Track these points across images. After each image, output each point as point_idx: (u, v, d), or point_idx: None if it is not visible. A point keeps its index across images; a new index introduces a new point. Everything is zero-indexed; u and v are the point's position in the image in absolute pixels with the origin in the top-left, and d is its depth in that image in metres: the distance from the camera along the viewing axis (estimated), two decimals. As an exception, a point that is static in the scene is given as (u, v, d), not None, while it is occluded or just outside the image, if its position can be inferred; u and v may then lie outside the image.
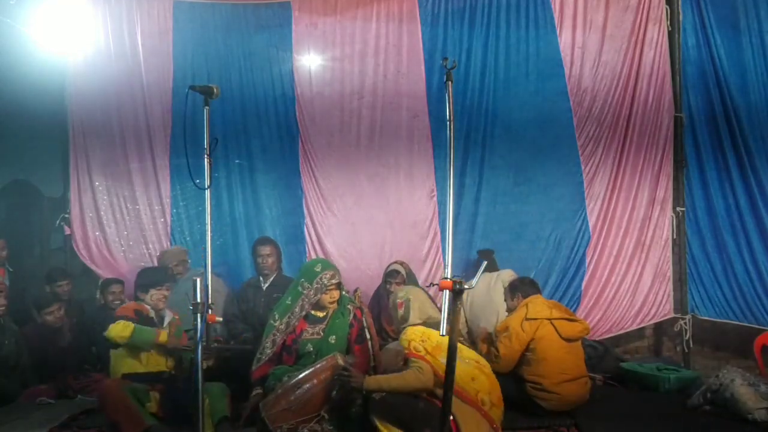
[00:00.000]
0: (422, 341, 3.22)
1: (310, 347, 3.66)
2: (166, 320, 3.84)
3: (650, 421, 3.59)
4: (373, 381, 3.19)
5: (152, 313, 3.79)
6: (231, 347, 4.32)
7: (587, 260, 5.21)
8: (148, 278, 3.89)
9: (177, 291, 4.84)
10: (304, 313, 3.74)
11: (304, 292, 3.73)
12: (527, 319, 3.73)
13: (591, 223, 5.20)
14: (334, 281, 3.73)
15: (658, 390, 4.18)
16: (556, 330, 3.71)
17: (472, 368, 3.21)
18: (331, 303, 3.76)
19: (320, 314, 3.78)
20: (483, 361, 3.36)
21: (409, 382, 3.11)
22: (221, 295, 4.77)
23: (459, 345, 3.16)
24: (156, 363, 3.69)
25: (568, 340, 3.73)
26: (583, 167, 5.19)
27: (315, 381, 3.26)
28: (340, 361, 3.32)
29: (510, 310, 4.05)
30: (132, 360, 3.64)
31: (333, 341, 3.67)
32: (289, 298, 3.79)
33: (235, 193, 5.38)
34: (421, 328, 3.33)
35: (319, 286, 3.71)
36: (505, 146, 5.25)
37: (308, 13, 5.31)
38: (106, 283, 4.83)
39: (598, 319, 5.11)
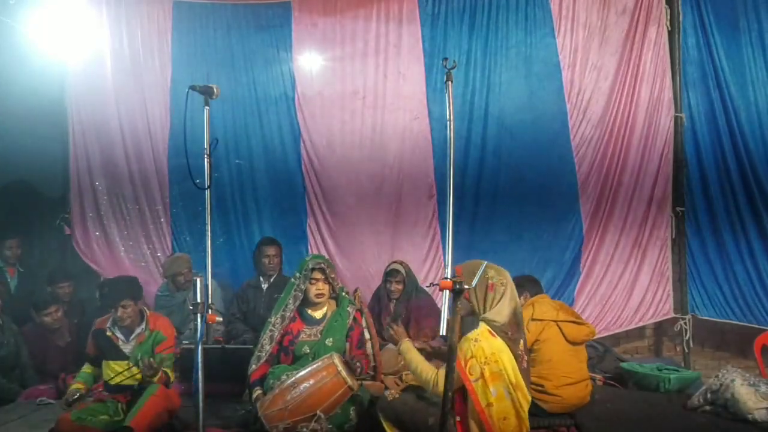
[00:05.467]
0: (485, 363, 2.85)
1: (306, 349, 3.64)
2: (135, 332, 3.70)
3: (650, 421, 3.58)
4: (406, 348, 3.21)
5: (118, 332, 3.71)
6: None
7: (582, 259, 5.23)
8: (111, 295, 3.68)
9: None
10: (297, 304, 3.71)
11: (296, 282, 3.73)
12: (533, 320, 3.68)
13: (585, 223, 5.22)
14: (317, 267, 3.68)
15: (658, 390, 4.17)
16: (562, 332, 3.67)
17: (512, 409, 2.94)
18: (318, 297, 3.69)
19: (317, 315, 3.76)
20: (527, 405, 3.02)
21: (422, 376, 3.06)
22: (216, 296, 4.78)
23: (522, 386, 2.94)
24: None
25: (573, 343, 3.70)
26: (577, 168, 5.20)
27: (312, 381, 3.26)
28: (337, 361, 3.32)
29: None
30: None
31: (330, 344, 3.64)
32: (284, 293, 3.79)
33: (235, 193, 5.38)
34: (499, 345, 2.89)
35: (306, 272, 3.69)
36: (504, 147, 5.25)
37: (308, 13, 5.31)
38: (102, 284, 4.81)
39: (595, 316, 5.12)
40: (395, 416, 3.18)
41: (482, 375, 2.84)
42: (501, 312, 2.97)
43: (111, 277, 4.02)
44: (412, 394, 3.30)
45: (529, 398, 3.04)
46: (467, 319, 3.09)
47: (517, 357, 2.96)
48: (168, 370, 3.68)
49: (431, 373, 3.03)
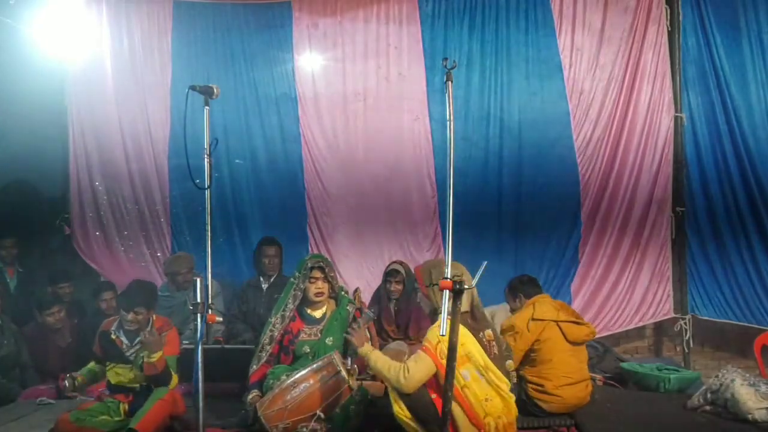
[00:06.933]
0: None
1: (306, 348, 3.64)
2: (140, 336, 3.62)
3: (650, 421, 3.58)
4: (367, 350, 3.18)
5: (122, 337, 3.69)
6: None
7: (580, 258, 5.24)
8: (129, 299, 3.67)
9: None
10: (297, 303, 3.71)
11: (295, 282, 3.73)
12: (533, 320, 3.68)
13: (585, 222, 5.23)
14: (316, 266, 3.68)
15: (658, 390, 4.17)
16: (562, 332, 3.67)
17: (491, 390, 3.05)
18: (317, 296, 3.68)
19: (317, 314, 3.75)
20: (506, 387, 3.12)
21: (388, 375, 3.02)
22: (217, 295, 4.77)
23: (492, 367, 3.05)
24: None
25: (574, 343, 3.70)
26: (579, 167, 5.21)
27: (312, 381, 3.26)
28: (337, 361, 3.32)
29: (513, 310, 4.01)
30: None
31: (330, 343, 3.64)
32: (284, 293, 3.79)
33: (236, 193, 5.38)
34: (462, 330, 2.95)
35: (305, 272, 3.69)
36: (505, 147, 5.26)
37: (309, 13, 5.31)
38: (98, 289, 4.80)
39: (595, 316, 5.13)
40: (408, 397, 3.11)
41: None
42: (462, 303, 3.01)
43: (132, 280, 3.97)
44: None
45: (508, 382, 3.13)
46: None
47: (483, 346, 3.07)
48: (172, 371, 3.66)
49: (398, 366, 3.01)
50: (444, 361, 2.86)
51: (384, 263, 4.90)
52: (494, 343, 3.20)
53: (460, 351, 2.92)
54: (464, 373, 2.97)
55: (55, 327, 4.56)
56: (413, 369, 2.95)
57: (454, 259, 2.66)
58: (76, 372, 3.78)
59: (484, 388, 3.02)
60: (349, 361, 3.41)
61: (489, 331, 3.21)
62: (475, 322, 3.16)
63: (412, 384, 2.95)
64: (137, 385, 3.63)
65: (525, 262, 5.17)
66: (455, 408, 2.93)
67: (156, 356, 3.53)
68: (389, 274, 4.63)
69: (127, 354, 3.65)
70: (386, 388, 3.18)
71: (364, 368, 3.67)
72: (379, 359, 3.12)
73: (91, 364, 3.80)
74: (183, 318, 4.68)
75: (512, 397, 3.13)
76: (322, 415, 3.19)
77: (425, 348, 3.00)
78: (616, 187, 5.21)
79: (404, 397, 3.04)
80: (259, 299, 4.77)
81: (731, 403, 3.49)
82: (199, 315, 2.67)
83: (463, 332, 2.99)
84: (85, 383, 3.78)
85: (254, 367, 3.62)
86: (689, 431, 3.48)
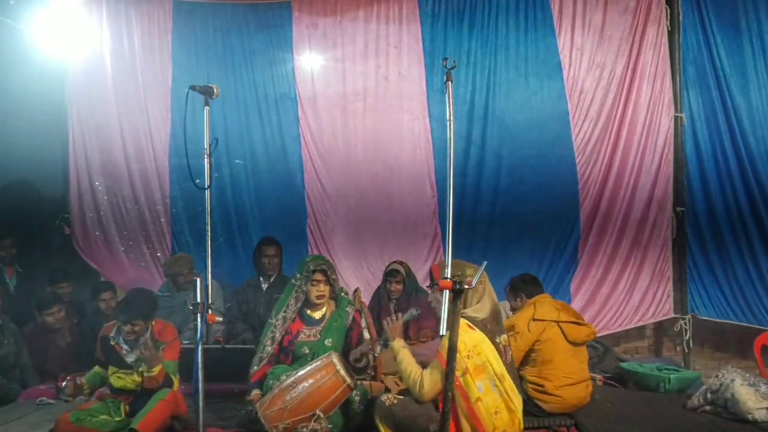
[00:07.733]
0: (468, 356, 2.88)
1: (305, 349, 3.64)
2: (140, 342, 3.60)
3: (650, 421, 3.57)
4: (399, 345, 3.18)
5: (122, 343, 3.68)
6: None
7: (580, 258, 5.25)
8: (126, 312, 3.62)
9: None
10: (299, 305, 3.71)
11: (297, 283, 3.73)
12: (534, 320, 3.67)
13: (585, 222, 5.24)
14: (318, 268, 3.68)
15: (658, 390, 4.17)
16: (563, 333, 3.66)
17: (501, 402, 2.95)
18: (318, 298, 3.68)
19: (316, 315, 3.75)
20: (517, 399, 3.04)
21: (408, 380, 3.04)
22: (217, 295, 4.77)
23: (507, 376, 2.97)
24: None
25: (574, 343, 3.69)
26: (578, 167, 5.21)
27: (311, 380, 3.26)
28: (336, 360, 3.32)
29: (514, 309, 4.02)
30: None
31: (329, 344, 3.64)
32: (285, 294, 3.79)
33: (236, 193, 5.38)
34: (479, 336, 2.94)
35: (307, 274, 3.69)
36: (504, 147, 5.26)
37: (308, 13, 5.32)
38: (98, 289, 4.81)
39: (594, 315, 5.14)
40: (393, 421, 3.12)
41: (467, 369, 2.87)
42: (483, 309, 3.06)
43: (132, 289, 3.94)
44: (413, 398, 3.22)
45: (519, 395, 3.06)
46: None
47: (498, 350, 3.01)
48: (173, 376, 3.66)
49: (417, 375, 3.02)
50: (459, 373, 2.83)
51: (384, 263, 4.90)
52: (509, 348, 3.14)
53: (476, 360, 2.89)
54: (479, 385, 2.88)
55: (55, 327, 4.56)
56: (428, 383, 2.96)
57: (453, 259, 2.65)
58: (79, 375, 3.76)
59: (494, 400, 2.93)
60: (378, 349, 3.40)
61: (504, 336, 3.13)
62: (495, 326, 3.09)
63: (428, 397, 2.97)
64: (138, 389, 3.62)
65: (524, 261, 5.16)
66: (465, 425, 2.89)
67: (156, 370, 3.53)
68: (389, 274, 4.63)
69: (128, 359, 3.64)
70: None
71: (365, 368, 3.68)
72: (404, 359, 3.12)
73: (96, 368, 3.79)
74: (183, 318, 4.68)
75: (519, 411, 3.05)
76: (322, 415, 3.19)
77: (440, 355, 2.92)
78: (615, 186, 5.22)
79: (396, 427, 3.06)
80: (259, 299, 4.77)
81: (731, 403, 3.49)
82: (199, 315, 2.67)
83: (481, 338, 2.95)
84: (90, 389, 3.75)
85: (255, 367, 3.62)
86: (689, 431, 3.48)
